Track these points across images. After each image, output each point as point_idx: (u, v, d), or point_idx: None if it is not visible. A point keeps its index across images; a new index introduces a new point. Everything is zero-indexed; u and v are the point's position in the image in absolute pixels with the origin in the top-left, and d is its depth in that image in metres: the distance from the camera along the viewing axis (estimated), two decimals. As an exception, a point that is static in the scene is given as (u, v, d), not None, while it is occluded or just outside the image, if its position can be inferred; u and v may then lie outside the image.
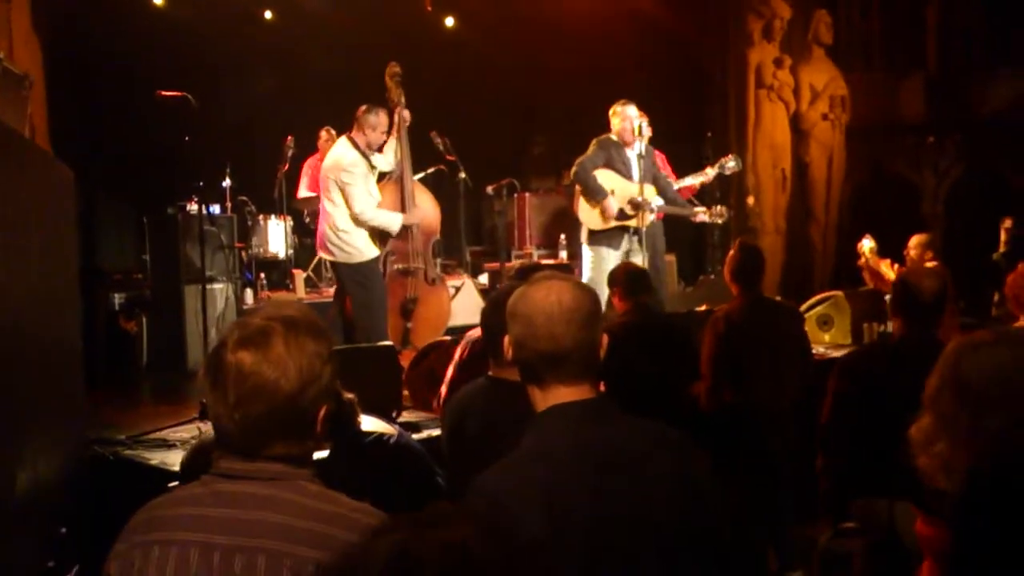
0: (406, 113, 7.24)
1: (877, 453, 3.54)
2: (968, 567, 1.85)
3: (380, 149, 7.13)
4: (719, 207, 7.92)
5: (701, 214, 7.77)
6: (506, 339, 2.15)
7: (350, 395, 2.89)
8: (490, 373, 3.11)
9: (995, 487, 1.79)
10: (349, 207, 6.84)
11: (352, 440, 3.19)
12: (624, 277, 5.40)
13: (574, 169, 7.46)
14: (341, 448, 2.91)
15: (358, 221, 6.87)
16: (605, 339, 2.12)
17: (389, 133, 7.18)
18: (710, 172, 8.01)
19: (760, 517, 5.01)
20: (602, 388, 2.20)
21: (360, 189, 6.85)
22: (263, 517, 1.75)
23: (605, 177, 7.36)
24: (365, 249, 6.96)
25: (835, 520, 3.89)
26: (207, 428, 5.31)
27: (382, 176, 7.33)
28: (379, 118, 6.90)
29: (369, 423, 3.43)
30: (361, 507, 1.82)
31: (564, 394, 2.07)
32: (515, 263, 10.07)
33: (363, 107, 6.92)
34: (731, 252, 5.36)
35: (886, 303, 8.99)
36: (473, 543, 1.10)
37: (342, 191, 6.83)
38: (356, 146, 6.90)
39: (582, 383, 2.08)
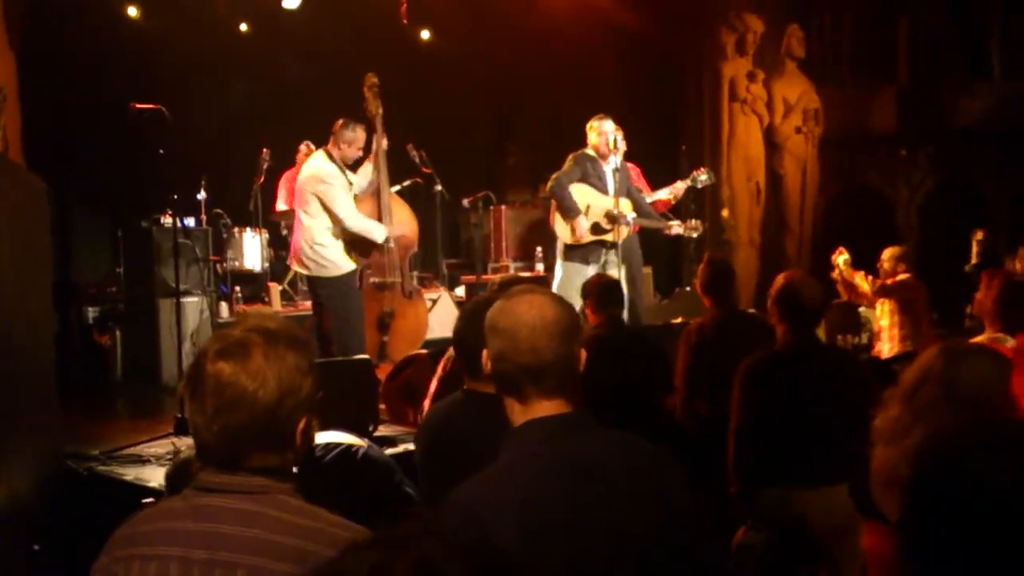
0: (384, 141, 7.19)
1: (775, 449, 3.81)
2: (921, 546, 1.86)
3: (355, 168, 7.08)
4: (693, 221, 7.95)
5: (676, 227, 7.79)
6: (485, 352, 2.15)
7: None
8: (465, 387, 3.11)
9: (954, 471, 1.82)
10: (333, 213, 6.75)
11: (315, 459, 3.20)
12: (596, 290, 5.40)
13: (550, 184, 7.45)
14: (304, 464, 2.93)
15: (340, 229, 6.81)
16: (583, 354, 2.13)
17: (366, 157, 7.14)
18: (680, 185, 8.06)
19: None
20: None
21: (341, 195, 6.79)
22: (243, 532, 1.75)
23: (581, 191, 7.36)
24: (341, 262, 6.88)
25: (748, 517, 4.02)
26: (182, 443, 5.29)
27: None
28: (356, 133, 6.83)
29: (336, 436, 3.43)
30: (341, 522, 1.82)
31: (543, 408, 2.07)
32: (492, 276, 10.07)
33: (340, 121, 6.86)
34: (700, 266, 5.41)
35: (860, 315, 9.10)
36: (447, 564, 1.10)
37: (321, 201, 6.75)
38: (333, 159, 6.84)
39: (560, 397, 2.08)
